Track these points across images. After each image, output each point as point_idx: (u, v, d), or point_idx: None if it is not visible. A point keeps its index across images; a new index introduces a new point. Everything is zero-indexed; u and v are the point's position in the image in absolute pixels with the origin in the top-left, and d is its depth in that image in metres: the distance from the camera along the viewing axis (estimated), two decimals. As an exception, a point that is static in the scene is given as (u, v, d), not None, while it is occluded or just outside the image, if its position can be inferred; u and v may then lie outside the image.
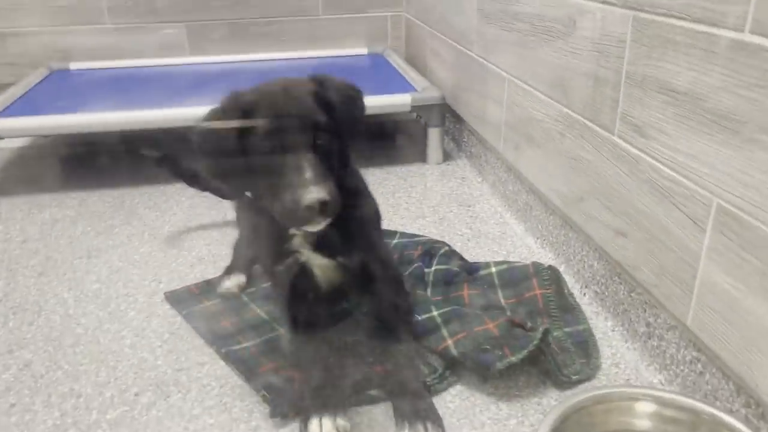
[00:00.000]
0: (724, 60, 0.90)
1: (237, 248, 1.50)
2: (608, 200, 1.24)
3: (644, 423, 0.91)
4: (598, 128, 1.26)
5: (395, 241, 1.55)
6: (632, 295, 1.20)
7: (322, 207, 0.92)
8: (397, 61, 2.56)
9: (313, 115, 0.98)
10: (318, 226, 0.98)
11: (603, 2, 1.20)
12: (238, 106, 0.99)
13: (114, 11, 2.63)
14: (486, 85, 1.87)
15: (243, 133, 0.98)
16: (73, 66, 2.60)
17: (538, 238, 1.61)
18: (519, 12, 1.59)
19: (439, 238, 1.59)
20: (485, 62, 1.86)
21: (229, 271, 1.45)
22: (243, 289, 1.41)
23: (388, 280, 1.19)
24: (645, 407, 0.91)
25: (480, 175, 2.02)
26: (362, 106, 1.07)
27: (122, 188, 2.01)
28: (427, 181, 2.03)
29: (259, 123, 0.96)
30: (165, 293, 1.42)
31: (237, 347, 1.21)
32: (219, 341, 1.24)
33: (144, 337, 1.28)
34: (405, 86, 2.21)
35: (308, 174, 0.93)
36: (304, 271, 1.14)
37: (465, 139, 2.17)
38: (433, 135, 2.13)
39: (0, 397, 1.12)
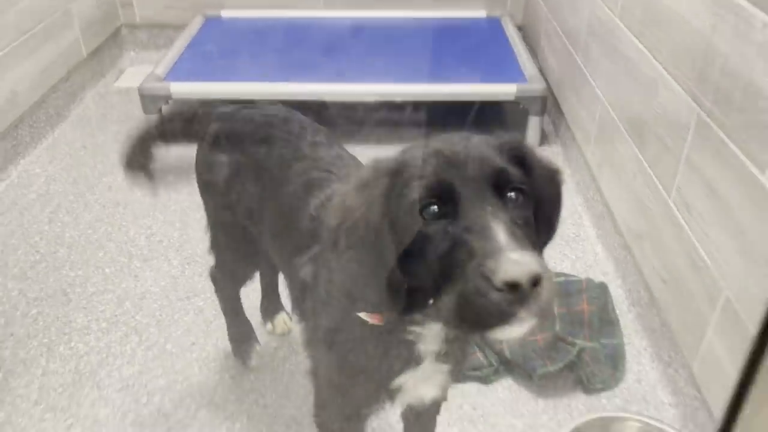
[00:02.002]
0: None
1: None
2: (659, 250, 1.49)
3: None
4: (660, 186, 1.48)
5: (481, 236, 1.86)
6: (663, 328, 1.48)
7: (535, 288, 0.59)
8: (512, 33, 2.71)
9: (503, 164, 0.69)
10: (520, 330, 0.62)
11: (676, 82, 1.38)
12: (383, 170, 0.71)
13: (260, -36, 2.92)
14: (583, 94, 2.05)
15: (395, 200, 0.69)
16: (225, 14, 2.95)
17: (605, 248, 1.87)
18: (619, 47, 1.75)
19: (519, 235, 1.89)
20: (586, 73, 2.03)
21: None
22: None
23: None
24: (633, 429, 1.24)
25: (569, 167, 2.25)
26: (562, 193, 0.78)
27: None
28: (520, 167, 2.28)
29: (422, 178, 0.67)
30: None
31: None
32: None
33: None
34: (513, 73, 2.39)
35: (502, 235, 0.62)
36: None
37: (562, 129, 2.37)
38: (533, 122, 2.34)
39: (184, 336, 1.60)
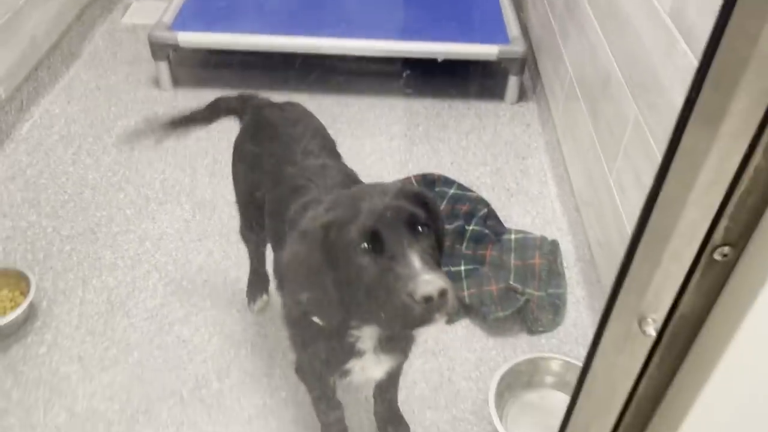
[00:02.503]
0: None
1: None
2: (600, 218, 1.76)
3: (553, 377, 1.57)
4: (605, 165, 1.73)
5: (452, 191, 2.12)
6: (597, 283, 1.78)
7: (442, 298, 0.84)
8: (502, -15, 2.84)
9: (413, 208, 0.92)
10: (436, 326, 0.89)
11: (623, 78, 1.60)
12: (319, 223, 0.94)
13: None
14: (556, 61, 2.25)
15: (332, 248, 0.91)
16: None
17: (562, 206, 2.13)
18: (585, 27, 1.94)
19: (490, 191, 2.15)
20: (559, 42, 2.22)
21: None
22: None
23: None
24: (556, 366, 1.56)
25: (541, 126, 2.47)
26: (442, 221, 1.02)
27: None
28: (498, 124, 2.50)
29: (352, 228, 0.89)
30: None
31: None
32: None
33: (278, 242, 2.00)
34: (497, 33, 2.55)
35: (417, 263, 0.85)
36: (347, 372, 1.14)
37: (538, 88, 2.57)
38: (512, 81, 2.54)
39: (197, 274, 1.89)
